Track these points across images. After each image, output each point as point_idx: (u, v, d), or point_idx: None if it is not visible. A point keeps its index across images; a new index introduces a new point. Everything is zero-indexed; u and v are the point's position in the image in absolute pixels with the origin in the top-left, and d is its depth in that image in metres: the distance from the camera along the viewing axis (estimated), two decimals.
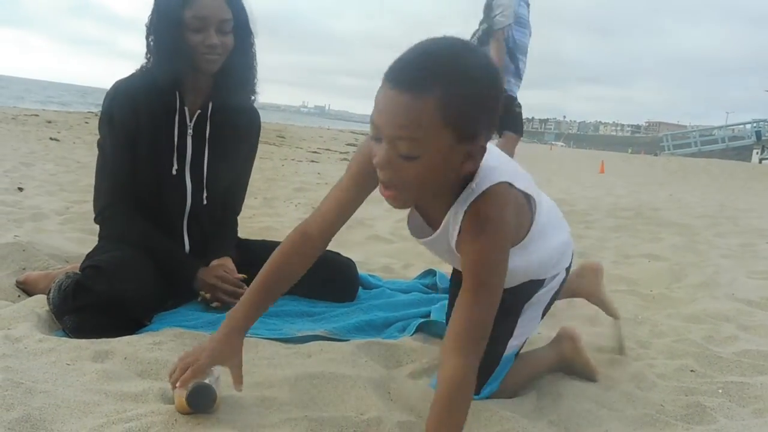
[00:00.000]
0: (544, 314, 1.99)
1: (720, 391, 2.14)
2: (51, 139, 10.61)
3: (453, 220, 1.60)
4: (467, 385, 1.47)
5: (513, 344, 1.90)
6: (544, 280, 1.89)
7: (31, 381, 1.77)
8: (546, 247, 1.82)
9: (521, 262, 1.71)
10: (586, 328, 2.76)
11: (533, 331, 1.96)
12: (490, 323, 1.50)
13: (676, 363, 2.39)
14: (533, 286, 1.89)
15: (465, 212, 1.56)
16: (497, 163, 1.59)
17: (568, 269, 2.00)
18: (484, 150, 1.47)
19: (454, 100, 1.37)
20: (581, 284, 2.42)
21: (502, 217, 1.55)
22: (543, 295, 1.89)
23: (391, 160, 1.43)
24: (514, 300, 1.81)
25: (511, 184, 1.59)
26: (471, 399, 1.49)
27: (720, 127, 41.22)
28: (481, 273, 1.52)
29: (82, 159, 7.96)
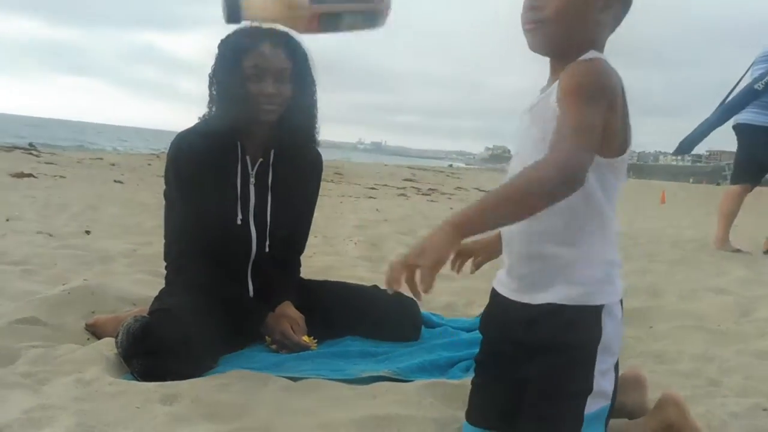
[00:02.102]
0: (617, 372, 1.76)
1: None
2: (115, 181, 10.86)
3: (558, 80, 1.62)
4: (537, 169, 1.47)
5: (596, 403, 1.68)
6: (601, 306, 1.68)
7: (103, 424, 1.80)
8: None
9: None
10: (653, 366, 2.71)
11: (612, 389, 1.71)
12: (592, 126, 1.51)
13: (748, 401, 2.32)
14: (592, 316, 1.68)
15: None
16: None
17: (621, 303, 1.77)
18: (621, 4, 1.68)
19: None
20: (623, 401, 1.92)
21: (603, 68, 1.60)
22: (609, 335, 1.75)
23: None
24: (583, 343, 1.67)
25: None
26: (531, 182, 1.47)
27: None
28: (576, 88, 1.56)
29: (146, 201, 8.11)
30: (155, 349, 2.25)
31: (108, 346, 2.46)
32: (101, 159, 17.03)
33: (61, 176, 10.83)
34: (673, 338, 3.12)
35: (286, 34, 2.62)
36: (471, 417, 1.87)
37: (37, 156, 15.39)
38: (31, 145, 20.02)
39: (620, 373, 1.85)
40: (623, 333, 1.77)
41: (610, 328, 1.69)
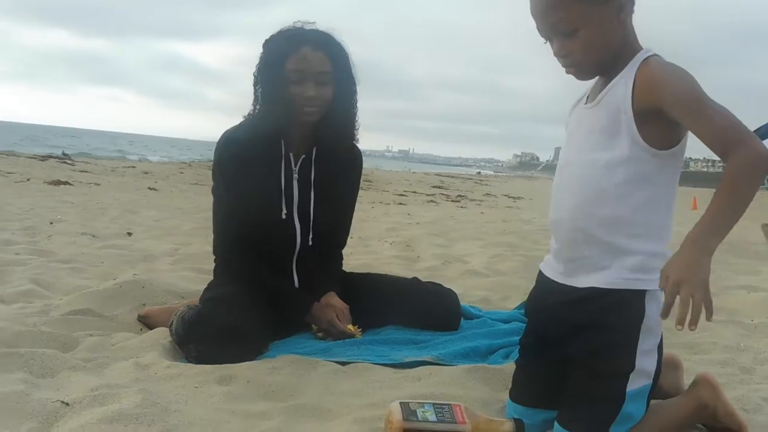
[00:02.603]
0: (660, 353, 1.81)
1: None
2: (149, 188, 11.01)
3: (626, 78, 1.70)
4: (744, 172, 1.55)
5: (638, 381, 1.74)
6: (644, 291, 1.73)
7: (165, 401, 1.90)
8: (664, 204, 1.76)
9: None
10: (687, 356, 2.76)
11: (654, 369, 1.77)
12: (733, 116, 1.58)
13: None
14: (636, 299, 1.74)
15: (638, 68, 1.69)
16: None
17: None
18: None
19: None
20: (660, 382, 1.90)
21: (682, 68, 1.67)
22: (651, 317, 1.74)
23: (561, 46, 1.73)
24: (626, 323, 1.73)
25: None
26: (750, 181, 1.55)
27: None
28: (690, 92, 1.62)
29: (182, 206, 8.26)
30: (209, 335, 2.36)
31: (161, 335, 2.57)
32: (134, 167, 17.23)
33: (95, 183, 11.02)
34: (706, 331, 3.16)
35: (327, 36, 2.71)
36: (515, 396, 1.94)
37: (71, 165, 15.63)
38: (64, 154, 20.34)
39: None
40: None
41: (652, 310, 1.74)
